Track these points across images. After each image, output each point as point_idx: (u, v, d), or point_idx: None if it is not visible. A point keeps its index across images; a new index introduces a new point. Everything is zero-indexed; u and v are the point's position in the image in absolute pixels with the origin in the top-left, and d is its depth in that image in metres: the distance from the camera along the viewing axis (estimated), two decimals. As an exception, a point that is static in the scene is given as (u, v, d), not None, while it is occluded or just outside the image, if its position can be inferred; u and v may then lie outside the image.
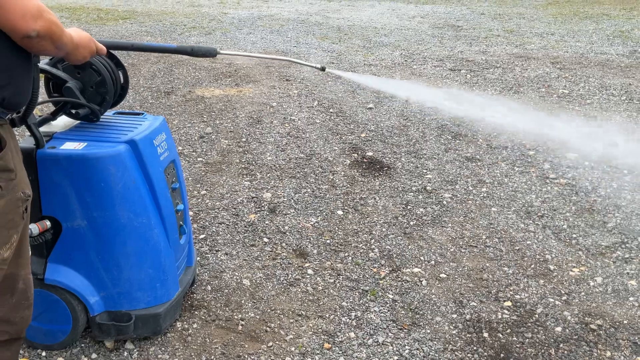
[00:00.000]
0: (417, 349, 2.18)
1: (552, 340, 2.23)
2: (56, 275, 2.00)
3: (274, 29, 8.88)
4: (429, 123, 4.62)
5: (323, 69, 2.38)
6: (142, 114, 2.24)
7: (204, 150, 4.07)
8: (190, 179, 3.59)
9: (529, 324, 2.32)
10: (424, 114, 4.83)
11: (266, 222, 3.09)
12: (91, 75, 2.00)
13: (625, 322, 2.32)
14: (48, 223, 1.94)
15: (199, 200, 3.33)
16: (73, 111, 2.04)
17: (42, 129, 1.98)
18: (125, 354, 2.12)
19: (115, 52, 2.08)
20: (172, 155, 2.23)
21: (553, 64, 6.51)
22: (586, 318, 2.35)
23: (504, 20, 9.52)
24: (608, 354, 2.15)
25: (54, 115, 2.03)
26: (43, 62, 1.94)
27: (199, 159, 3.91)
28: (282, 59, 2.52)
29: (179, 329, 2.26)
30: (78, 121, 2.10)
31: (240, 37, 8.21)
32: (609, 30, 8.34)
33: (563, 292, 2.52)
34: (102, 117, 2.11)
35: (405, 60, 6.75)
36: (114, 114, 2.24)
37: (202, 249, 2.83)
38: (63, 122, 2.10)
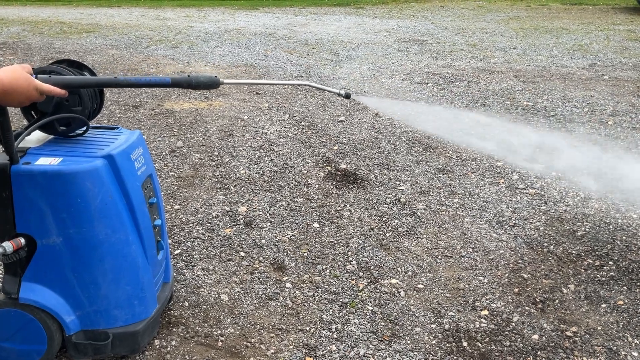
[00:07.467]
0: (399, 360, 2.19)
1: (530, 348, 2.26)
2: (31, 294, 1.95)
3: (241, 43, 8.87)
4: (400, 135, 4.68)
5: (348, 97, 2.11)
6: (117, 127, 2.21)
7: (176, 164, 4.03)
8: (163, 193, 3.54)
9: (507, 333, 2.35)
10: (395, 126, 4.88)
11: (242, 236, 3.06)
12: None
13: (599, 328, 2.37)
14: (22, 241, 1.88)
15: (173, 215, 3.29)
16: (61, 128, 1.99)
17: (16, 144, 1.93)
18: (103, 373, 2.07)
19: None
20: (149, 170, 2.20)
21: (516, 77, 6.66)
22: (561, 325, 2.39)
23: (467, 34, 9.72)
24: (584, 360, 2.20)
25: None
26: None
27: (170, 173, 3.86)
28: (300, 83, 2.15)
29: (157, 346, 2.21)
30: (51, 136, 2.06)
31: (207, 51, 8.18)
32: (568, 44, 8.60)
33: (538, 300, 2.57)
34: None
35: (374, 74, 6.82)
36: (88, 128, 2.20)
37: (178, 264, 2.78)
38: (36, 136, 2.06)
